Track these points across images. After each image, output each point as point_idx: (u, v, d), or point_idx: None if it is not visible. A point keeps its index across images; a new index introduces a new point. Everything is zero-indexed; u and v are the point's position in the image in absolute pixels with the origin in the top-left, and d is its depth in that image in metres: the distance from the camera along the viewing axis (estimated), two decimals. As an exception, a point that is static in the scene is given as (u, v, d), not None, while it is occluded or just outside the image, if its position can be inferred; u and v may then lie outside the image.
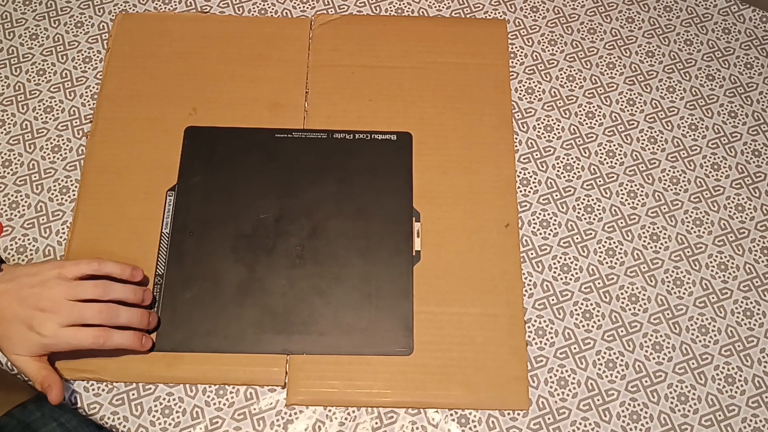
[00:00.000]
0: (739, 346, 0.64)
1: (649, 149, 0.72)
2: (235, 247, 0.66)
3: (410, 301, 0.64)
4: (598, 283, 0.66)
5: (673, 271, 0.67)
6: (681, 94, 0.74)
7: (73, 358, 0.61)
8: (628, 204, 0.69)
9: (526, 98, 0.73)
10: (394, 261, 0.65)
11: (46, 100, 0.72)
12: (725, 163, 0.71)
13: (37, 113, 0.71)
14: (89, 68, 0.73)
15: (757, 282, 0.67)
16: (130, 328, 0.60)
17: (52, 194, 0.68)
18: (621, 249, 0.67)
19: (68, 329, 0.58)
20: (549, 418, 0.61)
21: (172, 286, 0.64)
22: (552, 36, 0.77)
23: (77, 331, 0.58)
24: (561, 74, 0.75)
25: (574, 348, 0.64)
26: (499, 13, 0.77)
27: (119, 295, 0.60)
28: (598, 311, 0.65)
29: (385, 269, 0.65)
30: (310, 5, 0.77)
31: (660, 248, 0.68)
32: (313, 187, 0.68)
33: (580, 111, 0.73)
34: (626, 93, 0.74)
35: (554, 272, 0.66)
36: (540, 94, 0.74)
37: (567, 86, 0.74)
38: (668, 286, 0.66)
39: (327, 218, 0.67)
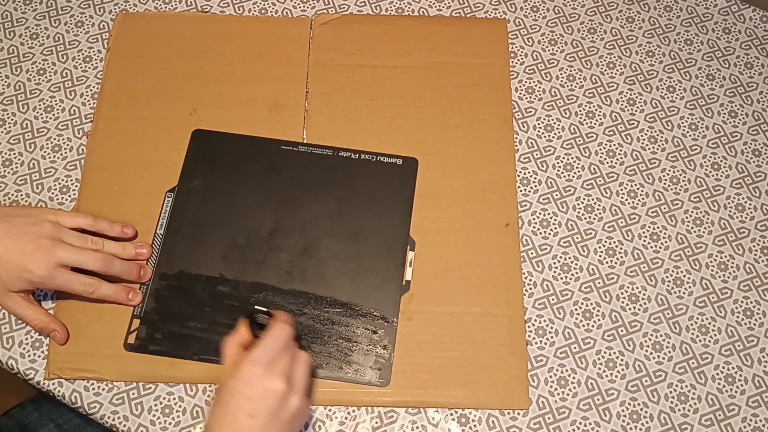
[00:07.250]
0: (739, 345, 0.64)
1: (649, 149, 0.72)
2: (226, 256, 0.65)
3: (394, 330, 0.63)
4: (598, 283, 0.66)
5: (673, 271, 0.67)
6: (681, 93, 0.74)
7: (61, 299, 0.63)
8: (628, 204, 0.69)
9: (526, 98, 0.73)
10: (382, 288, 0.64)
11: (47, 100, 0.72)
12: (725, 163, 0.71)
13: (38, 113, 0.71)
14: (90, 68, 0.73)
15: (757, 282, 0.67)
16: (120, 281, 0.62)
17: (53, 194, 0.68)
18: (621, 249, 0.67)
19: (63, 271, 0.59)
20: (549, 418, 0.61)
21: (159, 287, 0.64)
22: (552, 36, 0.77)
23: (71, 275, 0.59)
24: (561, 74, 0.75)
25: (574, 347, 0.64)
26: (499, 12, 0.77)
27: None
28: (598, 311, 0.65)
29: (372, 296, 0.64)
30: (310, 5, 0.77)
31: (660, 248, 0.68)
32: (312, 204, 0.67)
33: (580, 110, 0.73)
34: (626, 93, 0.74)
35: (554, 272, 0.66)
36: (540, 94, 0.74)
37: (567, 86, 0.74)
38: (668, 285, 0.66)
39: (321, 237, 0.66)
